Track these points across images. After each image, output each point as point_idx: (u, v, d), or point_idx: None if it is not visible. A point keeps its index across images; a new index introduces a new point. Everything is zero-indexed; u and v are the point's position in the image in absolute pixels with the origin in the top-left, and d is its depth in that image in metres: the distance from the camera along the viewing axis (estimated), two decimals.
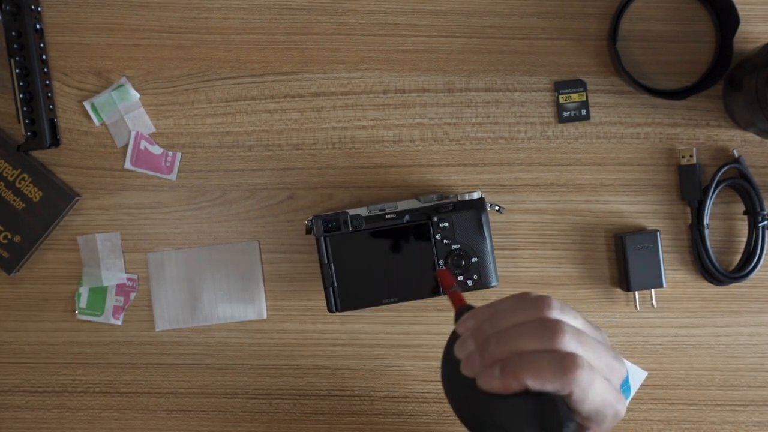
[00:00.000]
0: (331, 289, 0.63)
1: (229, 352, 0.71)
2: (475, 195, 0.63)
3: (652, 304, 0.68)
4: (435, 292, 0.63)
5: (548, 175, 0.68)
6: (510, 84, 0.68)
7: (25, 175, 0.69)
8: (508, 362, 0.39)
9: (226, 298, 0.70)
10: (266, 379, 0.71)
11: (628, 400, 0.69)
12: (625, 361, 0.69)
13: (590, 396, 0.38)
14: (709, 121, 0.68)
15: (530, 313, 0.40)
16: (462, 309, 0.45)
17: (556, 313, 0.40)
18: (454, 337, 0.43)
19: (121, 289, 0.70)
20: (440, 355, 0.44)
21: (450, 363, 0.43)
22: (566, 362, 0.38)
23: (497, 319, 0.41)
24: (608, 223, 0.69)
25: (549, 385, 0.38)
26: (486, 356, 0.40)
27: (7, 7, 0.66)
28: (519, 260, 0.69)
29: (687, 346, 0.69)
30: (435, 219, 0.63)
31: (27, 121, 0.67)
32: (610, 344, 0.42)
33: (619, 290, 0.69)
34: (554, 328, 0.39)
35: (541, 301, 0.40)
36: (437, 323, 0.70)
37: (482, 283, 0.63)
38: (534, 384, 0.38)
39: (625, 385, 0.69)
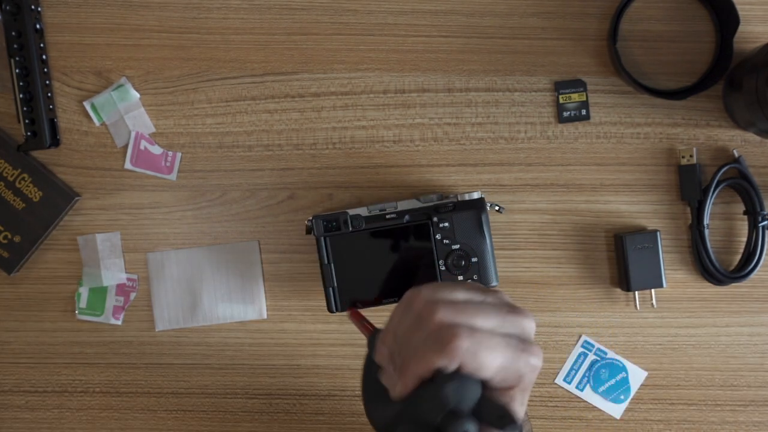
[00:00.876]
0: (331, 289, 0.63)
1: (229, 352, 0.71)
2: (475, 195, 0.63)
3: (652, 304, 0.68)
4: None
5: (548, 175, 0.68)
6: (510, 84, 0.68)
7: (25, 175, 0.69)
8: (401, 364, 0.40)
9: (226, 298, 0.70)
10: (266, 379, 0.71)
11: (628, 400, 0.69)
12: (625, 360, 0.69)
13: (486, 359, 0.38)
14: (709, 121, 0.68)
15: (412, 312, 0.41)
16: (373, 335, 0.46)
17: (427, 296, 0.41)
18: (368, 363, 0.45)
19: (121, 289, 0.70)
20: None
21: (366, 387, 0.44)
22: (441, 337, 0.38)
23: (397, 335, 0.42)
24: (608, 223, 0.69)
25: (436, 365, 0.38)
26: (397, 372, 0.41)
27: (7, 7, 0.66)
28: (519, 260, 0.69)
29: (687, 346, 0.69)
30: (435, 219, 0.63)
31: (27, 121, 0.67)
32: (506, 300, 0.41)
33: (619, 290, 0.69)
34: (426, 311, 0.39)
35: (413, 296, 0.41)
36: None
37: (482, 283, 0.63)
38: (422, 370, 0.38)
39: (625, 384, 0.69)
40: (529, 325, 0.41)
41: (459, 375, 0.38)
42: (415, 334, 0.40)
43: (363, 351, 0.70)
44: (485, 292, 0.42)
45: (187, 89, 0.69)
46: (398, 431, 0.39)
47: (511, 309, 0.41)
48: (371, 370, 0.44)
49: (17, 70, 0.67)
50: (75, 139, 0.69)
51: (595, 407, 0.69)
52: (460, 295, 0.41)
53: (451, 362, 0.38)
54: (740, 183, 0.67)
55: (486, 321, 0.39)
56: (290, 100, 0.69)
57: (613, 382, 0.69)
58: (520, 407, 0.41)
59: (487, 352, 0.38)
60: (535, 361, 0.39)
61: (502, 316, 0.40)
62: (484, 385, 0.39)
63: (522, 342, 0.40)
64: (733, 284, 0.68)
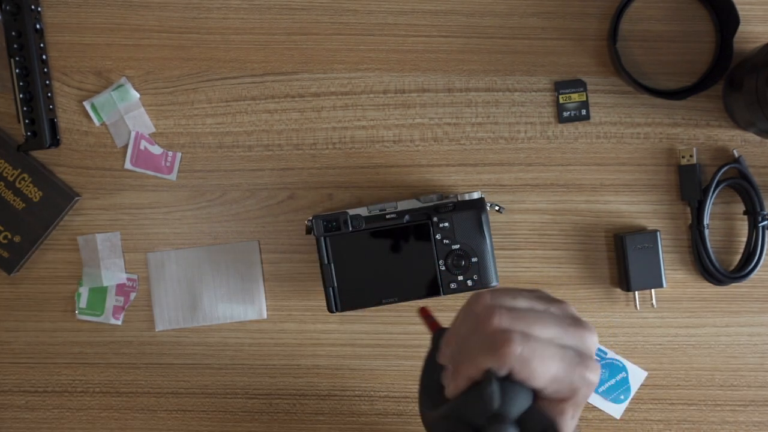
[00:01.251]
0: (331, 289, 0.63)
1: (229, 352, 0.71)
2: (475, 195, 0.63)
3: (652, 304, 0.68)
4: (434, 292, 0.63)
5: (548, 175, 0.68)
6: (510, 84, 0.68)
7: (25, 175, 0.69)
8: (455, 365, 0.40)
9: (226, 298, 0.70)
10: (266, 379, 0.71)
11: (628, 400, 0.69)
12: (625, 360, 0.69)
13: (539, 367, 0.37)
14: (709, 121, 0.68)
15: (472, 316, 0.41)
16: (437, 333, 0.47)
17: (487, 301, 0.40)
18: (429, 360, 0.46)
19: (121, 289, 0.70)
20: None
21: (424, 383, 0.45)
22: (495, 340, 0.38)
23: (458, 337, 0.42)
24: (608, 223, 0.69)
25: (485, 366, 0.38)
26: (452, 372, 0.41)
27: (7, 7, 0.66)
28: (519, 260, 0.69)
29: (687, 346, 0.69)
30: (435, 219, 0.63)
31: (27, 121, 0.67)
32: (571, 312, 0.41)
33: (619, 290, 0.69)
34: (484, 315, 0.39)
35: (475, 299, 0.41)
36: None
37: (482, 283, 0.63)
38: (472, 371, 0.38)
39: (625, 384, 0.69)
40: (590, 340, 0.40)
41: (507, 379, 0.38)
42: (473, 337, 0.40)
43: (363, 351, 0.70)
44: (549, 302, 0.41)
45: (187, 89, 0.69)
46: (440, 426, 0.40)
47: (573, 321, 0.40)
48: (431, 367, 0.45)
49: (17, 70, 0.67)
50: (75, 139, 0.69)
51: (595, 407, 0.70)
52: (522, 302, 0.40)
53: (501, 365, 0.37)
54: (740, 183, 0.67)
55: (544, 330, 0.39)
56: (290, 100, 0.69)
57: (613, 382, 0.69)
58: (570, 421, 0.40)
59: (540, 360, 0.37)
60: (590, 376, 0.39)
61: (562, 327, 0.39)
62: (536, 395, 0.39)
63: (580, 355, 0.39)
64: (733, 284, 0.68)
